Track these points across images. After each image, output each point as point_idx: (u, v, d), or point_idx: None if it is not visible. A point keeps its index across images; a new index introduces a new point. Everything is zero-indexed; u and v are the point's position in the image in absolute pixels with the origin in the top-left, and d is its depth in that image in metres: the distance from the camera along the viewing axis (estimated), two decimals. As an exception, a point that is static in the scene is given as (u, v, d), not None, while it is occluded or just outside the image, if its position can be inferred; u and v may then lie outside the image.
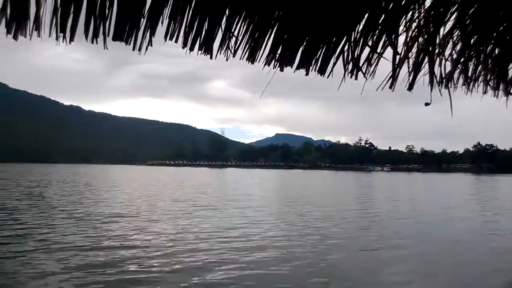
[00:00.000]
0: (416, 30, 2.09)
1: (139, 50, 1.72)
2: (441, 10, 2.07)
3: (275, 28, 1.96)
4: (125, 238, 9.50)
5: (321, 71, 2.10)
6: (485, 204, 22.82)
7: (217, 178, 56.05)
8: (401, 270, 7.57)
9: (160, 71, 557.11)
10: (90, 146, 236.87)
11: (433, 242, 10.38)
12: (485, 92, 2.54)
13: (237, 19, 1.90)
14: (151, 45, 1.75)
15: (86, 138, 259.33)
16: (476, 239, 11.26)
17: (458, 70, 2.34)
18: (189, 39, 1.82)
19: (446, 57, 2.24)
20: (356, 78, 2.09)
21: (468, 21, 2.17)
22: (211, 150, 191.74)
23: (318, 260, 7.92)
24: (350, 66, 2.09)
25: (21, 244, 8.62)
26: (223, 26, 1.86)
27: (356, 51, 2.08)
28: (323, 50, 2.07)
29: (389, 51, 2.08)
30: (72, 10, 1.57)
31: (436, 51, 2.16)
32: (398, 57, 2.07)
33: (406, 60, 2.10)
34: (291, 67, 2.06)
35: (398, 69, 2.08)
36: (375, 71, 2.14)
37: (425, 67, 2.11)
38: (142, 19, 1.69)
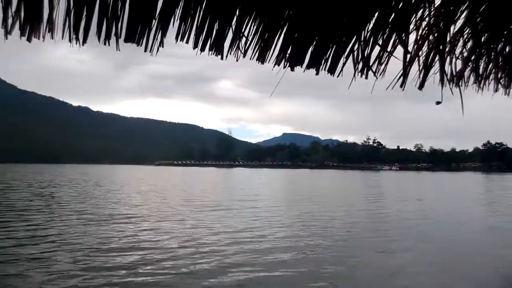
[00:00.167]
0: (426, 28, 2.08)
1: (151, 51, 1.74)
2: (452, 8, 2.05)
3: (285, 28, 1.96)
4: (136, 239, 9.54)
5: (331, 71, 2.10)
6: (497, 203, 22.59)
7: (225, 178, 56.14)
8: (417, 270, 7.51)
9: (166, 72, 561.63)
10: (99, 147, 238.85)
11: (448, 242, 10.24)
12: (496, 90, 2.53)
13: (247, 20, 1.91)
14: (162, 46, 1.76)
15: (95, 138, 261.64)
16: (490, 240, 11.09)
17: (469, 68, 2.33)
18: (200, 40, 1.83)
19: (457, 55, 2.23)
20: (366, 77, 2.09)
21: (479, 19, 2.15)
22: (219, 150, 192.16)
23: (332, 262, 7.82)
24: (360, 65, 2.08)
25: (33, 244, 8.72)
26: (233, 26, 1.86)
27: (366, 50, 2.07)
28: (333, 50, 2.07)
29: (399, 50, 2.07)
30: (84, 12, 1.59)
31: (447, 49, 2.15)
32: (408, 55, 2.06)
33: (417, 59, 2.09)
34: (301, 67, 2.06)
35: (408, 68, 2.07)
36: (385, 70, 2.14)
37: (436, 66, 2.10)
38: (154, 21, 1.70)
